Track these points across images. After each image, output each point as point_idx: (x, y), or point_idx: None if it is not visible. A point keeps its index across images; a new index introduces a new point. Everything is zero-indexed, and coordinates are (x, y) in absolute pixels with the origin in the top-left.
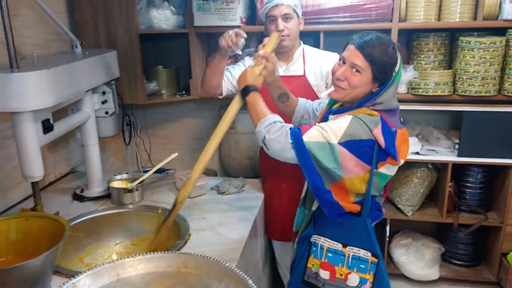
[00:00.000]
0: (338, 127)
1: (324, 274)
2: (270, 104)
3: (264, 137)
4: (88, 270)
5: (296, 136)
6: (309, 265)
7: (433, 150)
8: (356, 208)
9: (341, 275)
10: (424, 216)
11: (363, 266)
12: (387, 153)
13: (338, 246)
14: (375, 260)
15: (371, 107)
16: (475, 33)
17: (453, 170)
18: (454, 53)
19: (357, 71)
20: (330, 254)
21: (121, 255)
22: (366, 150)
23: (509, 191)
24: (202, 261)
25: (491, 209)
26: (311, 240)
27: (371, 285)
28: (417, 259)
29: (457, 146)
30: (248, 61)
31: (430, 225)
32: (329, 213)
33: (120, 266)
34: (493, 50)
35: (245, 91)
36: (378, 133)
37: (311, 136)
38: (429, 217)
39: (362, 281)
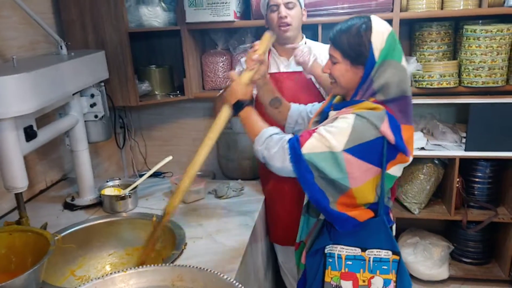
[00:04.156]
0: (341, 132)
1: (346, 285)
2: (263, 113)
3: (263, 155)
4: (75, 287)
5: (294, 149)
6: (327, 279)
7: (439, 145)
8: (370, 214)
9: (363, 281)
10: (431, 214)
11: (386, 267)
12: (398, 148)
13: (357, 251)
14: (397, 257)
15: (372, 99)
16: (480, 21)
17: (460, 165)
18: (459, 43)
19: (334, 61)
20: (349, 262)
21: (114, 266)
22: (375, 151)
23: None
24: (198, 273)
25: (501, 204)
26: (326, 252)
27: (394, 284)
28: (425, 258)
29: (464, 140)
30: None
31: (438, 222)
32: (342, 228)
33: (110, 282)
34: (500, 39)
35: (238, 106)
36: (385, 129)
37: (311, 147)
38: (436, 215)
39: (386, 283)
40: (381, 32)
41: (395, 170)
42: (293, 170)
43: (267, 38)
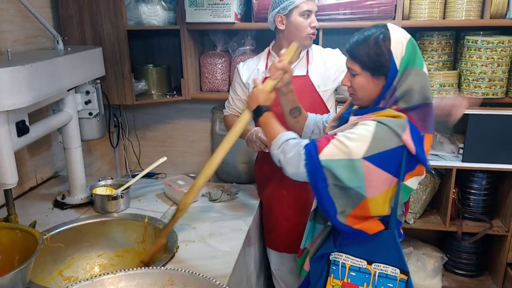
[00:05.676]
0: (361, 138)
1: None
2: (282, 120)
3: (279, 159)
4: None
5: (311, 156)
6: (328, 287)
7: (436, 155)
8: (380, 226)
9: None
10: (426, 224)
11: (391, 285)
12: (418, 159)
13: (363, 263)
14: (405, 277)
15: (395, 107)
16: (481, 32)
17: (456, 176)
18: (459, 53)
19: (354, 74)
20: (353, 273)
21: (104, 267)
22: (394, 160)
23: None
24: (189, 278)
25: (496, 216)
26: (331, 258)
27: None
28: (418, 268)
29: (461, 151)
30: (242, 69)
31: (432, 233)
32: (349, 237)
33: (99, 284)
34: (501, 50)
35: (258, 112)
36: (407, 138)
37: (329, 153)
38: (431, 225)
39: None
40: (400, 40)
41: (412, 182)
42: (307, 176)
43: (294, 48)
